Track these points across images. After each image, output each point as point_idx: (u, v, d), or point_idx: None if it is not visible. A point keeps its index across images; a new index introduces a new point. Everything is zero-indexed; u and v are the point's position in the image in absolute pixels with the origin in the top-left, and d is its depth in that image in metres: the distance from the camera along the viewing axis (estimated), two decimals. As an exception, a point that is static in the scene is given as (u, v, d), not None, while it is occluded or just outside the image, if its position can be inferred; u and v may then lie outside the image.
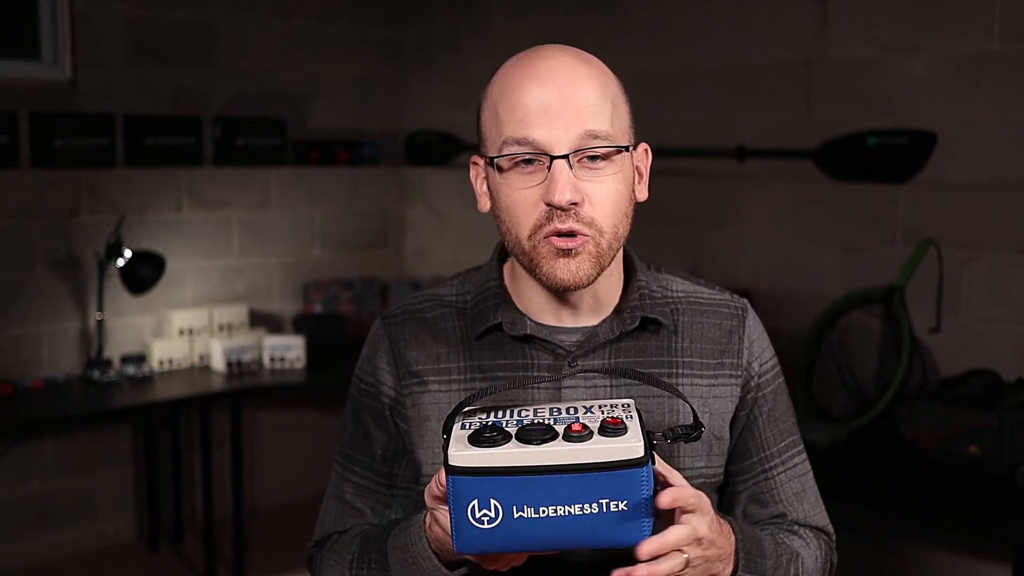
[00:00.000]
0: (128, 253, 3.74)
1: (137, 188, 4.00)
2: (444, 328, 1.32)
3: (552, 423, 1.07)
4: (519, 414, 1.11)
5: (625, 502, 1.02)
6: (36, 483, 3.90)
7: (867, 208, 3.36)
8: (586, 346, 1.27)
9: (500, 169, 1.21)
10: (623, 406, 1.12)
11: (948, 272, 3.11)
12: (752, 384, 1.32)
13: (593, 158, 1.18)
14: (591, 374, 1.26)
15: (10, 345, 3.73)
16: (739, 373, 1.31)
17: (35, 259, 3.79)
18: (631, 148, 1.24)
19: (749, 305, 1.37)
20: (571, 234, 1.18)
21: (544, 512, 1.02)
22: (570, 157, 1.17)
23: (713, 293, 1.36)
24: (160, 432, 4.15)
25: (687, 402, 1.14)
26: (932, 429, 2.81)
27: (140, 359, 3.89)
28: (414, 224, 4.87)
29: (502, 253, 1.34)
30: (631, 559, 1.05)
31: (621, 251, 1.28)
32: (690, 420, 1.14)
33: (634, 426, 1.06)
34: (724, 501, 1.37)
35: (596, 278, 1.22)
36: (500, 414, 1.11)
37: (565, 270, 1.19)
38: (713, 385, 1.30)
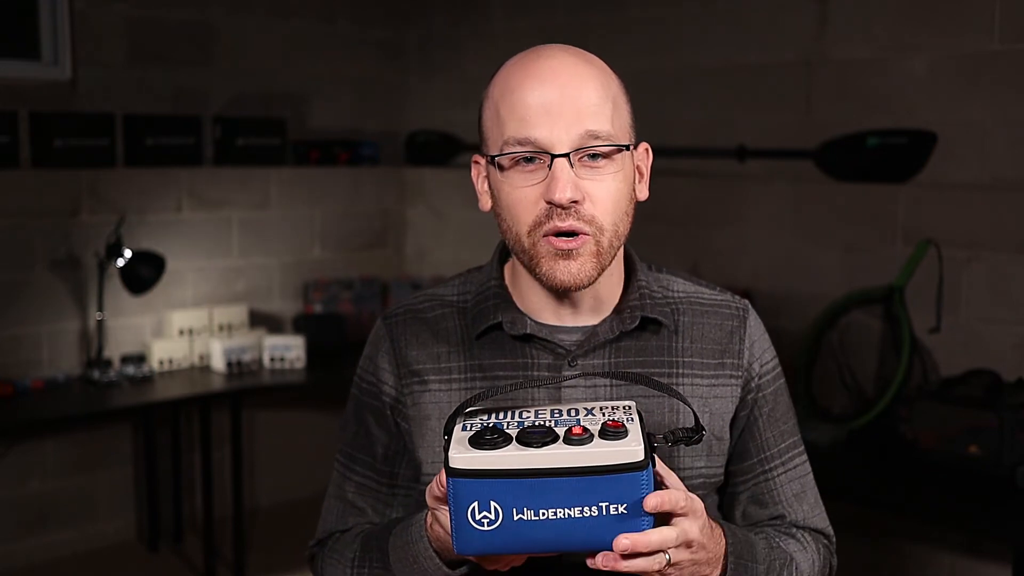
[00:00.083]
0: (128, 253, 3.74)
1: (137, 188, 4.00)
2: (445, 328, 1.32)
3: (553, 425, 1.07)
4: (520, 415, 1.11)
5: (625, 505, 1.02)
6: (36, 483, 3.90)
7: (867, 208, 3.36)
8: (586, 346, 1.27)
9: (501, 168, 1.21)
10: (624, 408, 1.12)
11: (948, 272, 3.11)
12: (753, 385, 1.32)
13: (594, 156, 1.19)
14: (592, 376, 1.26)
15: (10, 345, 3.73)
16: (740, 374, 1.31)
17: (35, 259, 3.79)
18: (632, 147, 1.24)
19: (750, 306, 1.37)
20: (571, 233, 1.18)
21: (544, 514, 1.02)
22: (571, 156, 1.17)
23: (714, 294, 1.36)
24: (160, 432, 4.15)
25: (688, 405, 1.14)
26: (932, 429, 2.81)
27: (140, 359, 3.89)
28: (414, 224, 4.87)
29: (503, 253, 1.34)
30: None
31: (622, 251, 1.28)
32: (690, 420, 1.14)
33: (635, 429, 1.06)
34: (724, 502, 1.37)
35: (597, 278, 1.22)
36: (501, 415, 1.11)
37: (565, 272, 1.20)
38: (713, 385, 1.30)
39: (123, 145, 4.02)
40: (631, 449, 1.02)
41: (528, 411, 1.12)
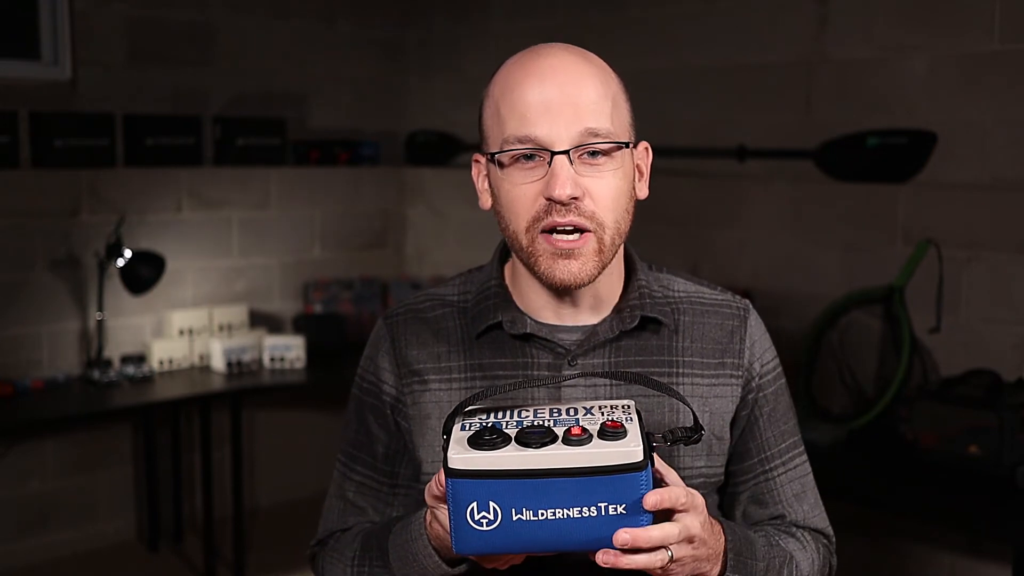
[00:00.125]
0: (128, 253, 3.74)
1: (137, 188, 4.00)
2: (445, 327, 1.32)
3: (552, 426, 1.07)
4: (519, 415, 1.11)
5: (624, 505, 1.02)
6: (36, 483, 3.90)
7: (867, 208, 3.36)
8: (586, 345, 1.27)
9: (501, 165, 1.21)
10: (623, 407, 1.12)
11: (948, 272, 3.11)
12: (753, 384, 1.32)
13: (594, 154, 1.19)
14: (592, 375, 1.26)
15: (10, 345, 3.73)
16: (740, 373, 1.31)
17: (35, 259, 3.79)
18: (631, 145, 1.24)
19: (751, 306, 1.37)
20: (572, 231, 1.18)
21: (543, 515, 1.02)
22: (571, 153, 1.18)
23: (715, 293, 1.36)
24: (160, 432, 4.14)
25: (687, 405, 1.14)
26: (932, 429, 2.81)
27: (140, 359, 3.89)
28: (414, 224, 4.87)
29: (503, 253, 1.34)
30: None
31: (622, 249, 1.29)
32: (690, 420, 1.14)
33: (633, 429, 1.06)
34: (724, 502, 1.37)
35: (597, 276, 1.22)
36: (500, 415, 1.11)
37: (565, 270, 1.20)
38: (714, 385, 1.30)
39: (123, 145, 4.02)
40: (630, 450, 1.02)
41: (527, 411, 1.12)
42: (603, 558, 1.03)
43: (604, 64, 1.25)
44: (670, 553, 1.06)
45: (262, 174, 4.35)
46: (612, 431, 1.04)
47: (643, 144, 1.29)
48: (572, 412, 1.11)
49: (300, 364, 4.01)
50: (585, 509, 1.02)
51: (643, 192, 1.28)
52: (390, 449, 1.35)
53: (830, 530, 1.39)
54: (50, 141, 3.78)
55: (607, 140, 1.19)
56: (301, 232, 4.50)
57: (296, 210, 4.47)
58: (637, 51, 4.00)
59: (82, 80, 4.00)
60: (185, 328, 4.03)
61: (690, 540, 1.08)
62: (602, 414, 1.10)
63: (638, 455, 1.02)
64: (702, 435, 1.11)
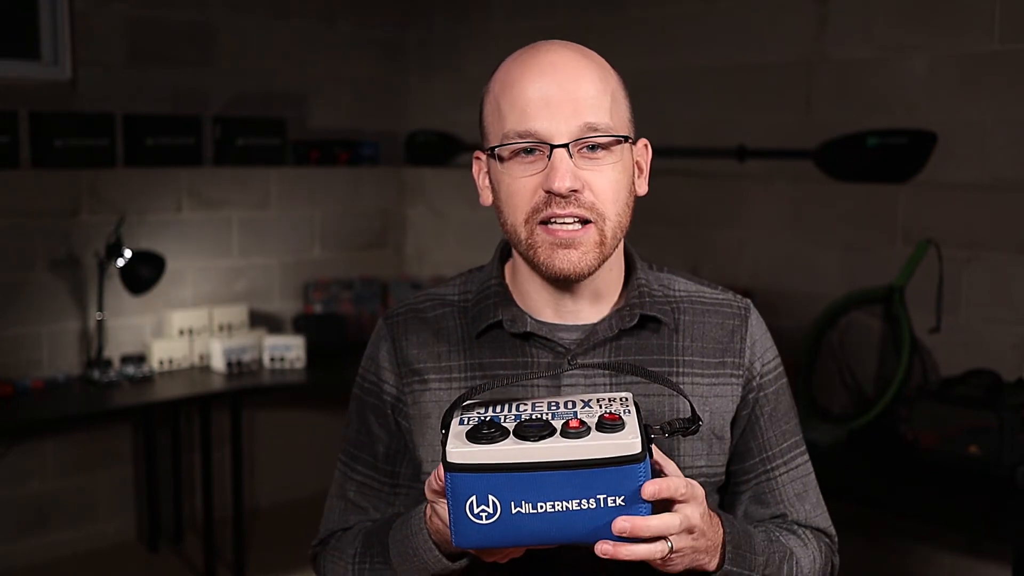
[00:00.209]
0: (128, 253, 3.74)
1: (137, 188, 4.00)
2: (445, 327, 1.33)
3: (550, 419, 1.07)
4: (517, 409, 1.11)
5: (623, 497, 1.02)
6: (36, 483, 3.90)
7: (867, 208, 3.36)
8: (585, 344, 1.27)
9: (501, 159, 1.22)
10: (621, 400, 1.12)
11: (948, 272, 3.11)
12: (754, 384, 1.32)
13: (593, 148, 1.20)
14: (591, 374, 1.27)
15: (10, 345, 3.73)
16: (740, 373, 1.31)
17: (35, 259, 3.79)
18: (631, 140, 1.24)
19: (752, 305, 1.37)
20: (572, 222, 1.19)
21: (542, 508, 1.02)
22: (570, 146, 1.18)
23: (716, 293, 1.36)
24: (160, 432, 4.15)
25: (682, 394, 1.13)
26: (932, 429, 2.81)
27: (140, 359, 3.89)
28: (414, 224, 4.87)
29: (504, 253, 1.35)
30: None
31: (622, 247, 1.29)
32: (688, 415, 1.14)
33: (631, 421, 1.06)
34: (726, 501, 1.37)
35: (597, 268, 1.22)
36: (498, 409, 1.12)
37: (565, 260, 1.20)
38: (714, 384, 1.30)
39: (123, 145, 4.02)
40: (628, 442, 1.03)
41: (525, 405, 1.13)
42: (602, 548, 1.03)
43: (603, 60, 1.25)
44: (670, 544, 1.06)
45: (262, 174, 4.36)
46: (610, 423, 1.04)
47: (642, 141, 1.29)
48: (570, 406, 1.12)
49: (300, 364, 4.01)
50: (584, 501, 1.02)
51: (643, 188, 1.29)
52: (391, 449, 1.35)
53: (832, 529, 1.39)
54: (50, 141, 3.78)
55: (606, 134, 1.20)
56: (301, 232, 4.50)
57: (296, 210, 4.47)
58: (637, 51, 4.00)
59: (82, 80, 4.00)
60: (185, 328, 4.03)
61: (690, 531, 1.08)
62: (600, 407, 1.10)
63: (636, 447, 1.02)
64: (700, 426, 1.11)
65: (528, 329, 1.27)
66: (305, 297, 4.48)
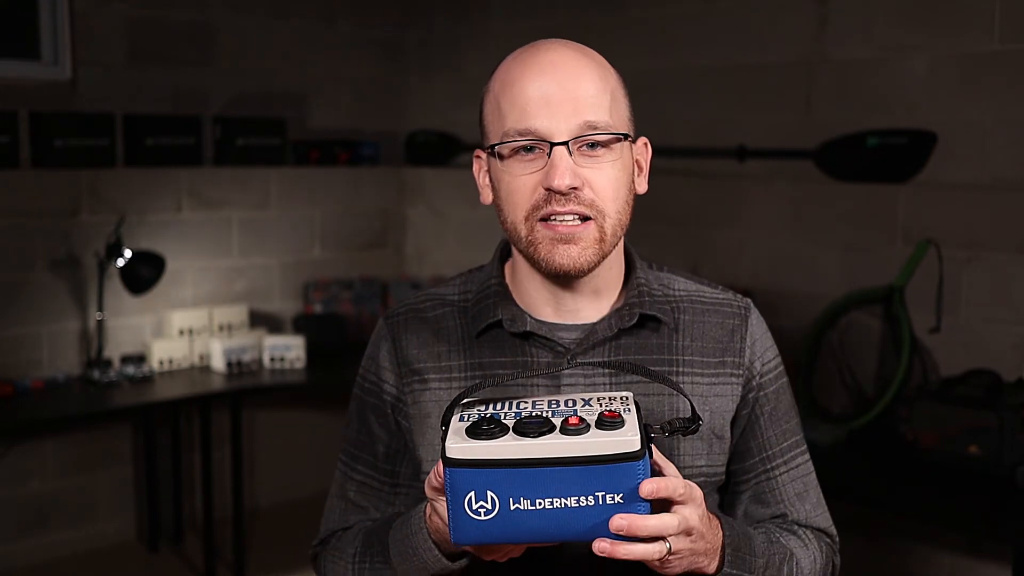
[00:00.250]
0: (128, 253, 3.74)
1: (137, 188, 4.00)
2: (446, 326, 1.33)
3: (550, 416, 1.07)
4: (517, 406, 1.12)
5: (621, 495, 1.02)
6: (36, 483, 3.90)
7: (867, 208, 3.36)
8: (585, 343, 1.27)
9: (501, 157, 1.22)
10: (621, 399, 1.13)
11: (948, 272, 3.11)
12: (754, 383, 1.32)
13: (593, 146, 1.20)
14: (591, 373, 1.27)
15: (10, 345, 3.73)
16: (740, 372, 1.31)
17: (35, 259, 3.79)
18: (630, 139, 1.25)
19: (752, 305, 1.37)
20: (572, 218, 1.19)
21: (541, 504, 1.02)
22: (570, 144, 1.18)
23: (716, 292, 1.36)
24: (160, 432, 4.15)
25: (682, 393, 1.13)
26: (932, 429, 2.81)
27: (140, 359, 3.89)
28: (414, 224, 4.87)
29: (504, 252, 1.35)
30: None
31: (622, 245, 1.29)
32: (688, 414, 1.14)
33: (631, 419, 1.06)
34: (726, 501, 1.37)
35: (597, 264, 1.22)
36: (498, 406, 1.12)
37: (565, 255, 1.20)
38: (714, 384, 1.30)
39: (123, 145, 4.02)
40: (627, 439, 1.03)
41: (525, 402, 1.13)
42: (600, 546, 1.03)
43: (602, 59, 1.26)
44: (668, 545, 1.06)
45: (262, 174, 4.36)
46: (610, 421, 1.05)
47: (642, 139, 1.30)
48: (570, 403, 1.12)
49: (300, 364, 4.01)
50: (582, 498, 1.02)
51: (642, 187, 1.29)
52: (391, 448, 1.35)
53: (833, 529, 1.39)
54: (50, 141, 3.78)
55: (606, 132, 1.20)
56: (301, 232, 4.50)
57: (296, 210, 4.47)
58: (637, 51, 4.00)
59: (82, 80, 4.00)
60: (185, 328, 4.03)
61: (688, 532, 1.08)
62: (600, 405, 1.10)
63: (635, 444, 1.02)
64: (700, 425, 1.11)
65: (528, 328, 1.28)
66: (305, 297, 4.48)
